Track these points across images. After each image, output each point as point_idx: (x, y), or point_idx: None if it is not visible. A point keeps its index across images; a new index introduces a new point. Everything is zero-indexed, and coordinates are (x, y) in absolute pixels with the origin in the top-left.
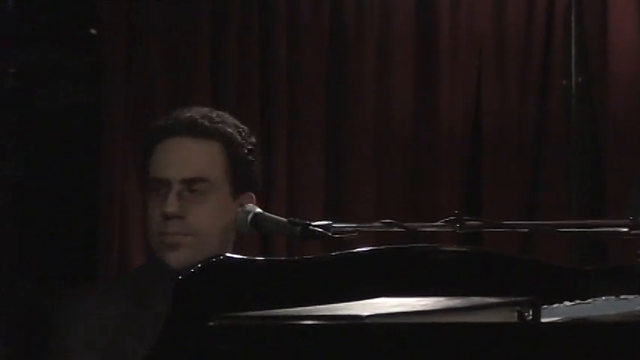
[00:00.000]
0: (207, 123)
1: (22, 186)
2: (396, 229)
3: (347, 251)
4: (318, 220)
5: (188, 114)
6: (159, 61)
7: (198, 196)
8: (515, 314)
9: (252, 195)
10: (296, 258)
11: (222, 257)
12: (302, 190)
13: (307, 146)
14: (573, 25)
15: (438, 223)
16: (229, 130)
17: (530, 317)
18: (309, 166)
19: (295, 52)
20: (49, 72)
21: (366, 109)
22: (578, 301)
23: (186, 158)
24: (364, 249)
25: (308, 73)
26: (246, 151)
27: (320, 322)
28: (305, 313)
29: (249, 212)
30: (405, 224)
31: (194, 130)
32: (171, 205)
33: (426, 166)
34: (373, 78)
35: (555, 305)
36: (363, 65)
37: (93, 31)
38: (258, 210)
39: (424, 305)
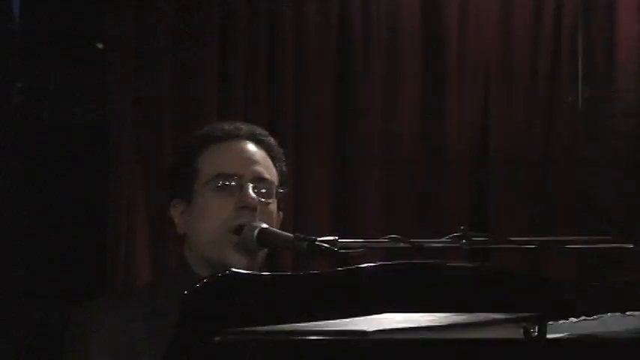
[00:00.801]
0: (263, 136)
1: (29, 202)
2: (402, 244)
3: (353, 266)
4: (324, 229)
5: (240, 124)
6: (166, 75)
7: (265, 196)
8: (521, 330)
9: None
10: (302, 273)
11: (228, 272)
12: (308, 199)
13: (313, 151)
14: (580, 39)
15: (445, 239)
16: (278, 148)
17: (536, 333)
18: (315, 174)
19: (302, 67)
20: (55, 88)
21: (373, 123)
22: (584, 318)
23: (255, 159)
24: (370, 264)
25: (314, 77)
26: (285, 172)
27: (325, 338)
28: (311, 329)
29: (255, 228)
30: (412, 240)
31: (254, 137)
32: (251, 196)
33: (433, 174)
34: (380, 85)
35: (561, 321)
36: (370, 73)
37: (99, 46)
38: (265, 225)
39: (430, 321)
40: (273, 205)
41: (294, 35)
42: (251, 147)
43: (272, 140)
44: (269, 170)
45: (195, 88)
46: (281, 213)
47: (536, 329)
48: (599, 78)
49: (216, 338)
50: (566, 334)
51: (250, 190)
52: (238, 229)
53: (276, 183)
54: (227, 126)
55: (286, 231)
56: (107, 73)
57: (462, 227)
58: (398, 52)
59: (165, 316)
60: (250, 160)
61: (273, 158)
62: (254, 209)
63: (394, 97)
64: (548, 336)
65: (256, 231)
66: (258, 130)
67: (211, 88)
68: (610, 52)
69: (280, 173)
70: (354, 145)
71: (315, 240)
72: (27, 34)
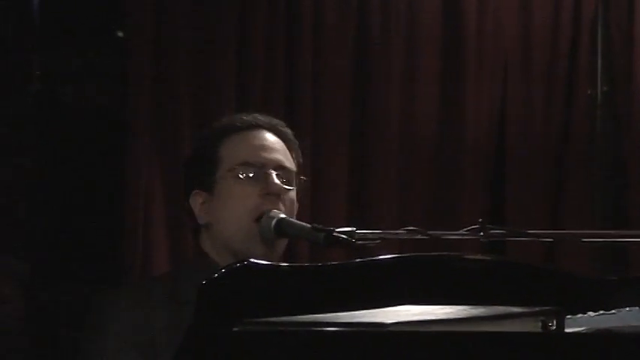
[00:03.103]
0: (281, 126)
1: (47, 188)
2: (419, 236)
3: (371, 258)
4: (341, 224)
5: (258, 115)
6: (185, 64)
7: (286, 184)
8: (539, 324)
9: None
10: (320, 264)
11: (245, 262)
12: (325, 192)
13: (331, 148)
14: (600, 34)
15: (462, 231)
16: (294, 139)
17: (554, 327)
18: (333, 168)
19: (319, 61)
20: (74, 74)
21: (391, 113)
22: (602, 312)
23: (276, 148)
24: (388, 256)
25: (333, 74)
26: (301, 162)
27: (343, 329)
28: (328, 320)
29: (273, 218)
30: (429, 232)
31: (273, 128)
32: (276, 183)
33: (450, 171)
34: (398, 82)
35: (579, 315)
36: (389, 70)
37: (119, 34)
38: (283, 215)
39: (447, 314)
40: (294, 193)
41: (313, 30)
42: (270, 137)
43: (289, 131)
44: (288, 159)
45: (213, 77)
46: (297, 204)
47: (555, 323)
48: (618, 72)
49: (234, 329)
50: (584, 328)
51: (275, 177)
52: (259, 219)
53: (295, 172)
54: (246, 117)
55: (303, 222)
56: (127, 60)
57: (480, 220)
58: (416, 48)
59: (185, 304)
60: (271, 149)
61: (290, 148)
62: (278, 196)
63: (412, 92)
64: (567, 330)
65: (274, 221)
66: (276, 121)
67: (230, 77)
68: (629, 45)
69: (297, 163)
70: (372, 138)
71: (333, 231)
72: (45, 20)
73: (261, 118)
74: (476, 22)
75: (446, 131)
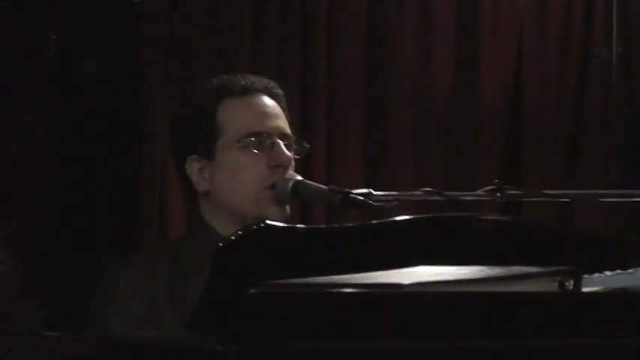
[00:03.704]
0: (276, 88)
1: (64, 154)
2: (436, 197)
3: (387, 219)
4: (357, 187)
5: (252, 78)
6: (200, 36)
7: (291, 151)
8: (556, 284)
9: None
10: (336, 225)
11: (262, 224)
12: (341, 161)
13: (346, 117)
14: None
15: (479, 192)
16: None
17: (571, 287)
18: (348, 131)
19: (334, 22)
20: (89, 39)
21: (406, 80)
22: (619, 271)
23: (277, 114)
24: (404, 217)
25: (347, 43)
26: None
27: (360, 290)
28: (345, 281)
29: (290, 179)
30: (446, 193)
31: (269, 91)
32: (286, 154)
33: (466, 136)
34: (413, 48)
35: (596, 275)
36: (403, 35)
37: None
38: (299, 177)
39: (464, 274)
40: (293, 160)
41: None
42: (269, 102)
43: (282, 92)
44: (287, 125)
45: (229, 41)
46: None
47: (571, 283)
48: (633, 32)
49: (251, 290)
50: (600, 287)
51: (283, 148)
52: (271, 185)
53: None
54: (242, 80)
55: (320, 183)
56: (141, 25)
57: (496, 180)
58: (431, 11)
59: (184, 275)
60: (273, 116)
61: (284, 110)
62: (287, 167)
63: (427, 52)
64: (583, 289)
65: (291, 183)
66: (271, 83)
67: (245, 42)
68: None
69: (292, 124)
70: (387, 99)
71: (350, 192)
72: None
73: (256, 80)
74: None
75: (461, 94)
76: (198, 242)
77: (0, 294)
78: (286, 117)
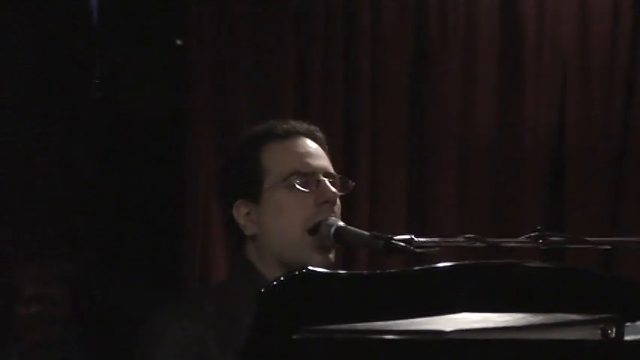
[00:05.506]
0: (317, 131)
1: (110, 192)
2: (478, 244)
3: (430, 266)
4: (399, 232)
5: (293, 122)
6: (245, 75)
7: (336, 189)
8: (599, 331)
9: None
10: (379, 272)
11: (305, 270)
12: (384, 200)
13: (390, 157)
14: None
15: (521, 238)
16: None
17: (614, 335)
18: (392, 176)
19: (379, 62)
20: (134, 81)
21: (450, 120)
22: None
23: (320, 154)
24: (447, 263)
25: (391, 83)
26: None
27: (403, 337)
28: (388, 328)
29: (332, 225)
30: (488, 239)
31: (311, 134)
32: (332, 190)
33: (509, 182)
34: (457, 89)
35: (639, 323)
36: (448, 77)
37: (178, 42)
38: (341, 223)
39: (507, 321)
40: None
41: (371, 33)
42: (312, 144)
43: (323, 135)
44: (331, 164)
45: (272, 86)
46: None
47: (614, 330)
48: None
49: (294, 336)
50: None
51: (329, 184)
52: (314, 229)
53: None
54: (284, 124)
55: (362, 228)
56: (187, 68)
57: (539, 227)
58: (475, 50)
59: (232, 318)
60: (316, 156)
61: (326, 151)
62: (334, 203)
63: (471, 96)
64: (626, 337)
65: (333, 228)
66: (312, 127)
67: (288, 85)
68: None
69: (335, 165)
70: (431, 143)
71: (392, 238)
72: (104, 28)
73: (297, 124)
74: (534, 29)
75: (505, 138)
76: (246, 285)
77: (51, 333)
78: (329, 158)
